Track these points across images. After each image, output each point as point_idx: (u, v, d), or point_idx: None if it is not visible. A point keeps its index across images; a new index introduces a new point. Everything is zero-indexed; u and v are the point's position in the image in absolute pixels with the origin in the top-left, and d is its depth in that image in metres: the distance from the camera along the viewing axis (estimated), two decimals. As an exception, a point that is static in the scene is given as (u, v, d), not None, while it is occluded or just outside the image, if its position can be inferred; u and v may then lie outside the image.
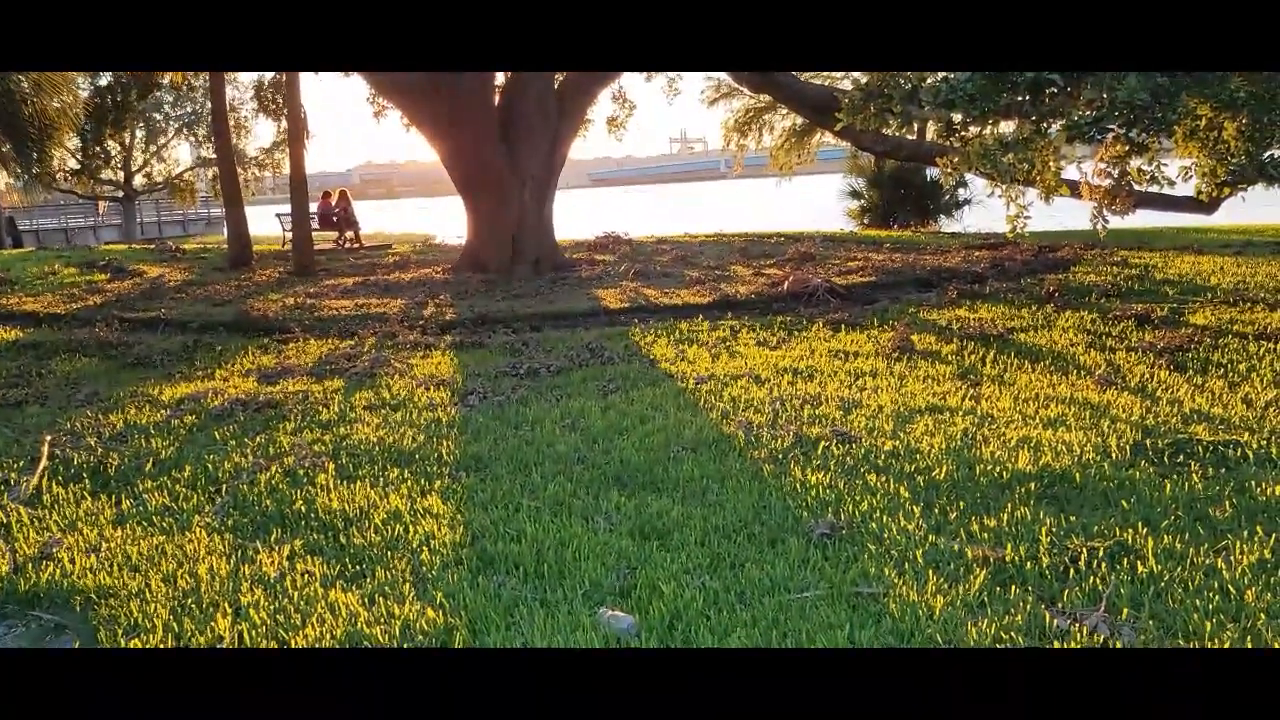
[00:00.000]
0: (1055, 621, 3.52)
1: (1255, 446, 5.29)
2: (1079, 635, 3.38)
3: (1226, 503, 4.54)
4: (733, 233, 23.19)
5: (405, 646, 2.74)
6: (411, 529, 4.64)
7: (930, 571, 3.96)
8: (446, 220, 28.95)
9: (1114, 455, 5.29)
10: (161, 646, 3.35)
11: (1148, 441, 5.45)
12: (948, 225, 26.38)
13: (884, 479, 5.06)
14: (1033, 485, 4.87)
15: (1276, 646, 2.33)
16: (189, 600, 3.97)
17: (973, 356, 8.14)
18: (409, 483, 5.34)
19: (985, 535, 4.32)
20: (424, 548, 4.42)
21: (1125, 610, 3.58)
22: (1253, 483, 4.76)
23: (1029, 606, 3.64)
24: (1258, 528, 4.23)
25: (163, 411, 7.26)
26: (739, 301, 11.85)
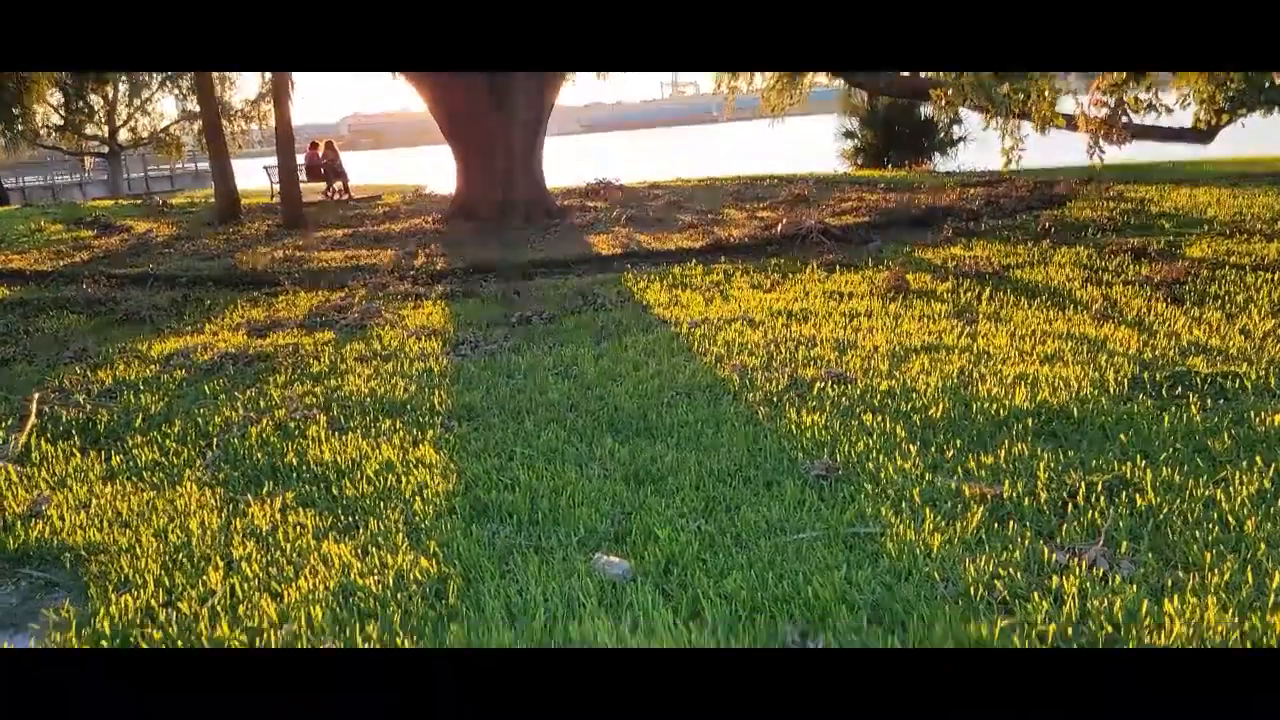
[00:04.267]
0: (1054, 556, 3.49)
1: (1253, 377, 5.24)
2: (1078, 569, 3.35)
3: (1225, 434, 4.50)
4: (725, 176, 23.00)
5: (404, 647, 2.71)
6: (404, 479, 4.60)
7: (927, 510, 3.92)
8: (436, 170, 28.69)
9: (1112, 389, 5.24)
10: (164, 646, 3.30)
11: (1145, 375, 5.41)
12: (942, 164, 26.20)
13: (880, 419, 5.02)
14: (1030, 421, 4.83)
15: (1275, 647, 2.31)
16: (180, 555, 3.94)
17: (968, 294, 8.08)
18: (401, 433, 5.29)
19: (983, 473, 4.28)
20: (417, 498, 4.38)
21: (1124, 543, 3.55)
22: (1251, 413, 4.72)
23: (1027, 542, 3.61)
24: (1257, 458, 4.19)
25: (152, 367, 7.20)
26: (732, 245, 11.75)
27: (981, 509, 3.89)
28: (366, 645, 3.14)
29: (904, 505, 4.00)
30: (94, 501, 4.56)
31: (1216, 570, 3.32)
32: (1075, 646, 2.39)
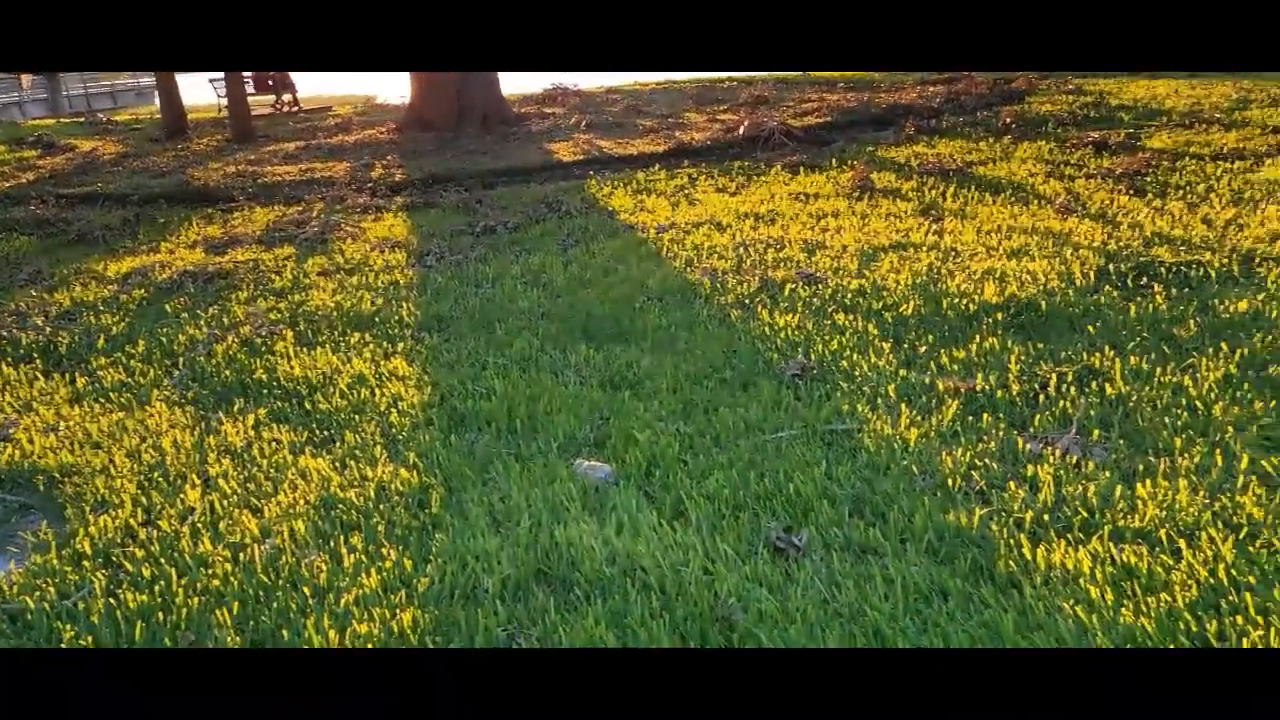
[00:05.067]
0: (1028, 446, 3.54)
1: (1217, 265, 5.30)
2: (1052, 458, 3.41)
3: (1191, 322, 4.56)
4: (683, 79, 22.65)
5: (404, 647, 2.71)
6: (378, 392, 4.57)
7: (903, 405, 3.96)
8: (388, 79, 28.07)
9: (1078, 282, 5.28)
10: (167, 644, 3.28)
11: (1111, 266, 5.45)
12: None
13: (852, 317, 5.04)
14: (1000, 315, 4.87)
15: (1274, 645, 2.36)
16: (155, 474, 3.90)
17: (933, 192, 8.06)
18: (371, 346, 5.24)
19: (955, 367, 4.32)
20: (392, 410, 4.36)
21: (1095, 431, 3.61)
22: (1216, 301, 4.78)
23: (1001, 433, 3.66)
24: (1222, 344, 4.25)
25: (110, 287, 7.06)
26: (695, 149, 11.63)
27: (955, 402, 3.93)
28: (352, 557, 3.15)
29: (879, 401, 4.03)
30: (62, 424, 4.50)
31: (1186, 454, 3.39)
32: (1076, 647, 2.44)
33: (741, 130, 12.03)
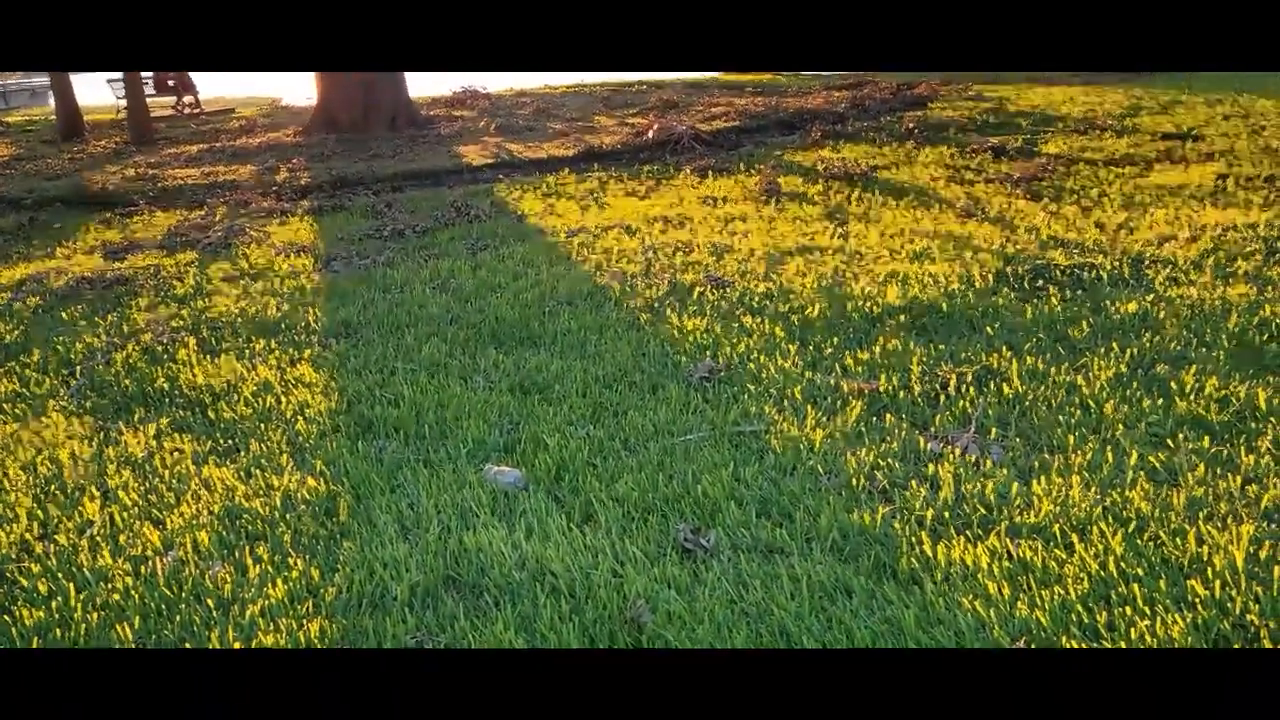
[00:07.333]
0: (929, 445, 3.63)
1: (1109, 268, 5.49)
2: (952, 456, 3.51)
3: (1084, 322, 4.72)
4: (593, 82, 22.67)
5: (403, 648, 2.68)
6: (284, 399, 4.50)
7: (809, 406, 4.04)
8: (292, 81, 27.55)
9: (977, 284, 5.43)
10: (170, 644, 3.19)
11: (1009, 269, 5.61)
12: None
13: (759, 320, 5.11)
14: (902, 317, 4.98)
15: (1267, 645, 2.46)
16: (52, 487, 3.80)
17: (839, 196, 8.21)
18: (277, 353, 5.16)
19: (859, 368, 4.41)
20: (299, 417, 4.30)
21: (993, 430, 3.72)
22: (1108, 302, 4.95)
23: (904, 433, 3.75)
24: (1114, 344, 4.41)
25: (3, 294, 6.83)
26: (605, 152, 11.66)
27: (860, 403, 4.02)
28: (258, 567, 3.10)
29: (786, 403, 4.10)
30: (-48, 437, 4.35)
31: (1079, 451, 3.51)
32: (1074, 647, 2.51)
33: (651, 134, 12.10)
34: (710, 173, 9.81)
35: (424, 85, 19.34)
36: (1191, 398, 3.85)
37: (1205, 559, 2.80)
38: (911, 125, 11.67)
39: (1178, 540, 2.91)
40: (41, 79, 35.05)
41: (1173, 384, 3.96)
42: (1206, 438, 3.52)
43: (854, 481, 3.40)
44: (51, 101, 19.53)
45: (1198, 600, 2.62)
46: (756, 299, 5.45)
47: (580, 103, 17.53)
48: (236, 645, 2.74)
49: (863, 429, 3.82)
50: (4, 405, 4.70)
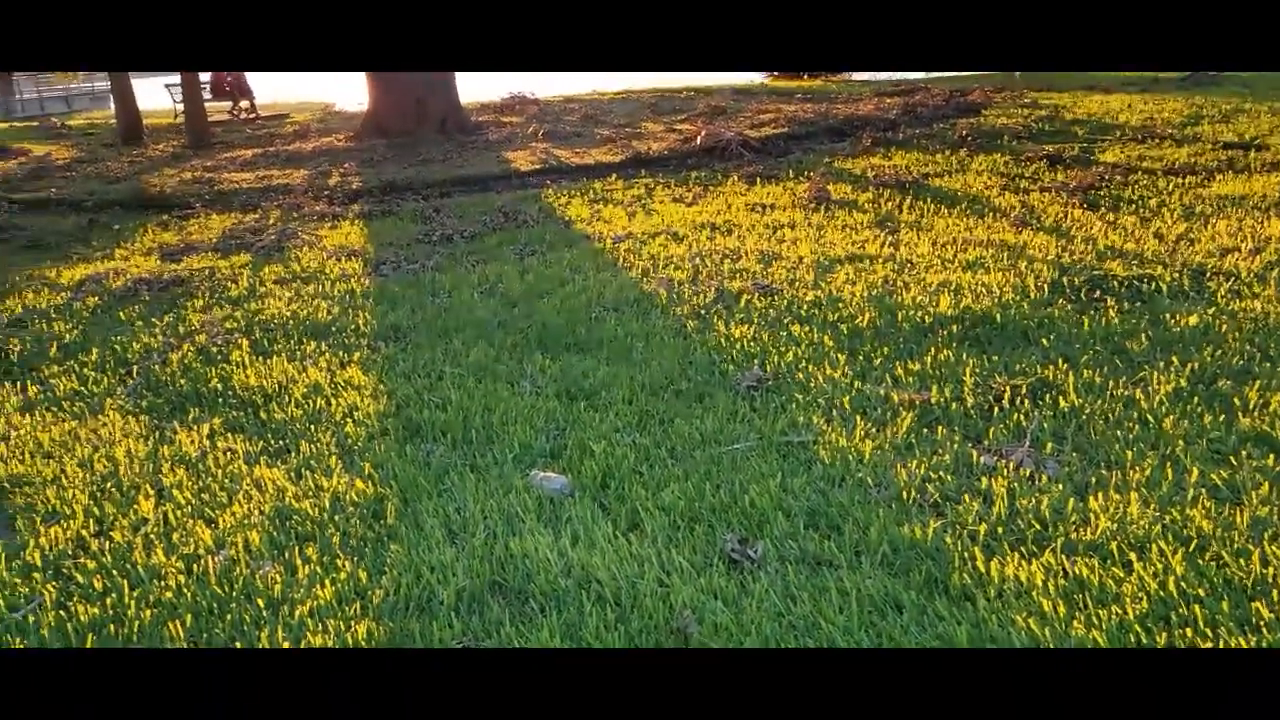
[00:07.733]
0: (982, 458, 3.57)
1: (1168, 280, 5.38)
2: (1006, 470, 3.45)
3: (1142, 335, 4.63)
4: (641, 89, 22.71)
5: (404, 648, 2.69)
6: (334, 402, 4.53)
7: (858, 417, 3.99)
8: (346, 86, 27.86)
9: (1032, 294, 5.35)
10: (169, 642, 3.22)
11: (1064, 279, 5.52)
12: (859, 73, 26.13)
13: (808, 329, 5.06)
14: (954, 328, 4.91)
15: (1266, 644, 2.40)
16: (108, 484, 3.85)
17: (889, 204, 8.13)
18: (327, 355, 5.20)
19: (910, 379, 4.36)
20: (348, 420, 4.32)
21: (1049, 444, 3.66)
22: (1167, 315, 4.86)
23: (955, 445, 3.70)
24: (1173, 358, 4.32)
25: (63, 294, 6.95)
26: (652, 158, 11.65)
27: (910, 414, 3.96)
28: (307, 568, 3.12)
29: (835, 413, 4.06)
30: (12, 433, 4.43)
31: (1137, 467, 3.44)
32: (1073, 647, 2.47)
33: (699, 140, 12.07)
34: (758, 179, 9.77)
35: (473, 91, 19.47)
36: (1255, 414, 3.76)
37: (1271, 580, 2.73)
38: (965, 133, 11.55)
39: (1241, 561, 2.83)
40: (102, 82, 35.75)
41: (1235, 399, 3.87)
42: (1271, 455, 3.44)
43: (904, 494, 3.35)
44: (112, 105, 19.89)
45: (1263, 624, 2.55)
46: (805, 307, 5.40)
47: (628, 109, 17.55)
48: (285, 645, 2.75)
49: (913, 441, 3.77)
50: (63, 403, 4.77)
